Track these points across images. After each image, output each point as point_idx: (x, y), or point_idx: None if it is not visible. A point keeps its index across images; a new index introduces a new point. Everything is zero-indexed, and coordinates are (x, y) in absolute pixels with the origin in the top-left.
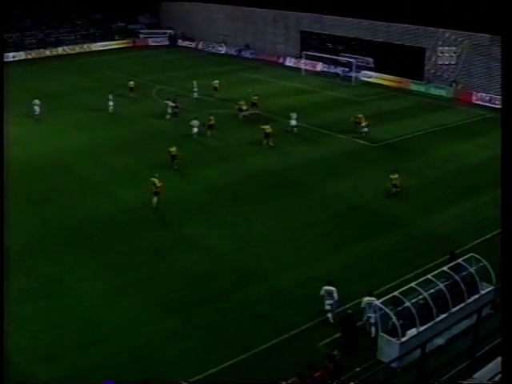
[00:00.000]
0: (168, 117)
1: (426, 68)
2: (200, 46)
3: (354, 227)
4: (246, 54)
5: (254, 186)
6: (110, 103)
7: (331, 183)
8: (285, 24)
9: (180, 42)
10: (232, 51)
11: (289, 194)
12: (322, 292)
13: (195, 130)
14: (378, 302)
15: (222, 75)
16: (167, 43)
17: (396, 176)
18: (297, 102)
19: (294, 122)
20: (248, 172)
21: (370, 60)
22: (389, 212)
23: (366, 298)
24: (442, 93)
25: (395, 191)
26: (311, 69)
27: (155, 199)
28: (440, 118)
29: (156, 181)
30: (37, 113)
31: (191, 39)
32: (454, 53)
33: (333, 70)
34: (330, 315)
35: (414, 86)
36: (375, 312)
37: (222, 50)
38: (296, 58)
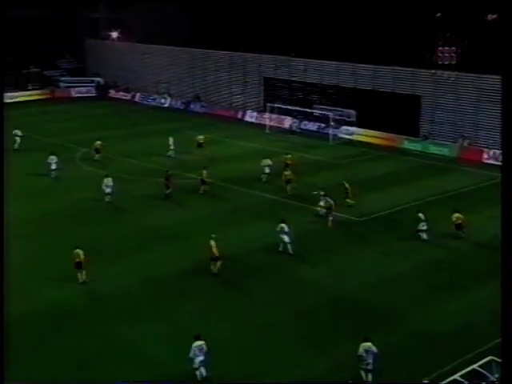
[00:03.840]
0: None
1: (423, 120)
2: (137, 98)
3: (335, 324)
4: (196, 107)
5: (206, 275)
6: (53, 167)
7: (306, 268)
8: (244, 69)
9: (111, 93)
10: (178, 104)
11: (252, 284)
12: (191, 352)
13: (284, 238)
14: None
15: (166, 134)
16: (95, 94)
17: (457, 215)
18: (260, 168)
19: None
20: (200, 256)
21: (352, 112)
22: (378, 304)
23: (363, 345)
24: (444, 151)
25: (462, 233)
26: (278, 125)
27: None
28: (442, 182)
29: (213, 243)
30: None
31: (126, 89)
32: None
33: (291, 124)
34: (202, 370)
35: (408, 144)
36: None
37: (166, 102)
38: (259, 111)
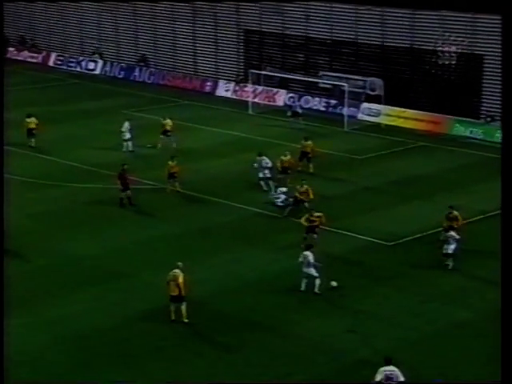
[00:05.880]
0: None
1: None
2: (52, 61)
3: None
4: (142, 75)
5: (156, 329)
6: None
7: (312, 321)
8: (214, 18)
9: (11, 53)
10: (115, 70)
11: (227, 344)
12: None
13: (311, 272)
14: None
15: (97, 117)
16: None
17: (455, 214)
18: (241, 167)
19: None
20: (146, 302)
21: (378, 82)
22: (418, 371)
23: (383, 369)
24: None
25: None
26: (267, 102)
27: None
28: None
29: (179, 274)
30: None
31: (34, 47)
32: None
33: (288, 101)
34: None
35: (463, 129)
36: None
37: (96, 67)
38: (237, 82)
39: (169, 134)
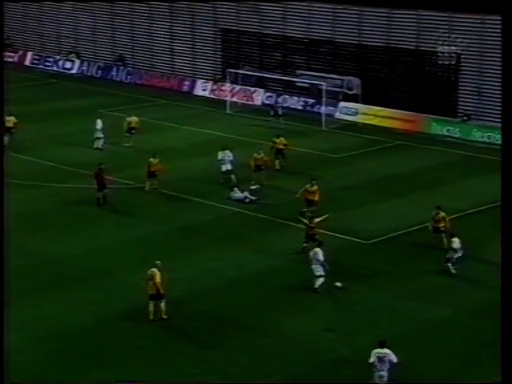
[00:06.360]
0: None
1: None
2: (28, 61)
3: None
4: (119, 74)
5: (136, 329)
6: None
7: (292, 320)
8: (192, 17)
9: None
10: (92, 70)
11: (209, 343)
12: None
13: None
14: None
15: (74, 116)
16: None
17: (442, 215)
18: (217, 163)
19: None
20: (126, 302)
21: (355, 81)
22: (400, 369)
23: (376, 351)
24: (496, 137)
25: (438, 240)
26: (245, 101)
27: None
28: (493, 185)
29: (157, 273)
30: None
31: (11, 47)
32: None
33: (271, 101)
34: None
35: (440, 128)
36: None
37: (73, 67)
38: (215, 81)
39: (133, 131)
